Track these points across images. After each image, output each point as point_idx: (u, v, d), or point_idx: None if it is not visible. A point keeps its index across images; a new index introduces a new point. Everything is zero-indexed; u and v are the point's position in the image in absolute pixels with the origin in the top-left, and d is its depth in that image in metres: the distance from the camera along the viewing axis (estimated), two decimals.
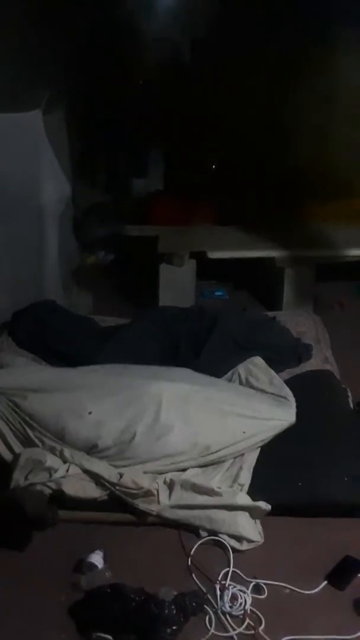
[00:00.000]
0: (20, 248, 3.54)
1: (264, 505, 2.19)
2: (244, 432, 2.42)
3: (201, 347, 3.06)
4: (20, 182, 3.42)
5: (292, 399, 2.69)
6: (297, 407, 2.65)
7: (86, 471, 2.30)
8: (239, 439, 2.41)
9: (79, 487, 2.25)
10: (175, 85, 4.66)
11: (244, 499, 2.22)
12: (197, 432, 2.40)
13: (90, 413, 2.43)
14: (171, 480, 2.29)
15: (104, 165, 5.33)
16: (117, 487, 2.23)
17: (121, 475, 2.26)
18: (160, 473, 2.33)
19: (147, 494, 2.21)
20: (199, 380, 2.75)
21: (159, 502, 2.20)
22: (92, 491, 2.26)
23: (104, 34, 4.44)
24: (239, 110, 4.35)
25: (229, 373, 2.93)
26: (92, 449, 2.37)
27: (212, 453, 2.37)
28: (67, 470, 2.29)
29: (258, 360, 2.95)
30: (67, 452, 2.36)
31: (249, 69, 4.29)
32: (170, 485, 2.28)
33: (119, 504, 2.24)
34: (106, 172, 5.36)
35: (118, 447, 2.37)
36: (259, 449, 2.46)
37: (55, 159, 3.76)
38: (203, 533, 2.18)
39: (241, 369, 2.92)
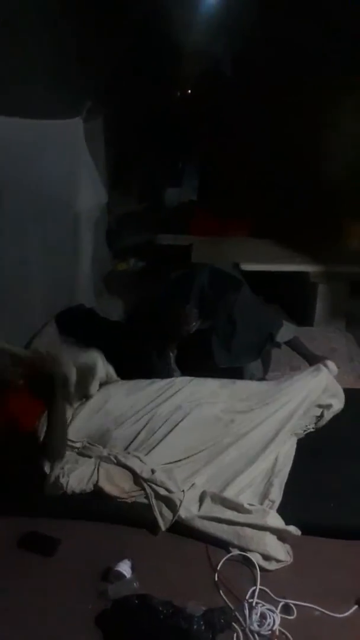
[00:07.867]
0: (55, 252, 3.58)
1: (294, 530, 2.15)
2: None
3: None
4: (58, 188, 3.46)
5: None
6: (330, 426, 2.63)
7: (120, 464, 2.34)
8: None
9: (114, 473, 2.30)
10: (215, 99, 4.69)
11: (274, 520, 2.18)
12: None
13: None
14: (203, 492, 2.28)
15: (140, 174, 5.38)
16: (148, 483, 2.25)
17: (153, 472, 2.29)
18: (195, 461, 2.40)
19: (168, 500, 2.21)
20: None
21: (177, 512, 2.20)
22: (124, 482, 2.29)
23: (147, 47, 4.48)
24: (279, 126, 4.35)
25: None
26: (129, 446, 2.44)
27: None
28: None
29: None
30: (104, 452, 2.41)
31: (291, 85, 4.29)
32: (202, 497, 2.27)
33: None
34: (141, 181, 5.40)
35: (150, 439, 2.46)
36: (290, 464, 2.44)
37: (94, 166, 3.80)
38: (233, 550, 2.15)
39: None
